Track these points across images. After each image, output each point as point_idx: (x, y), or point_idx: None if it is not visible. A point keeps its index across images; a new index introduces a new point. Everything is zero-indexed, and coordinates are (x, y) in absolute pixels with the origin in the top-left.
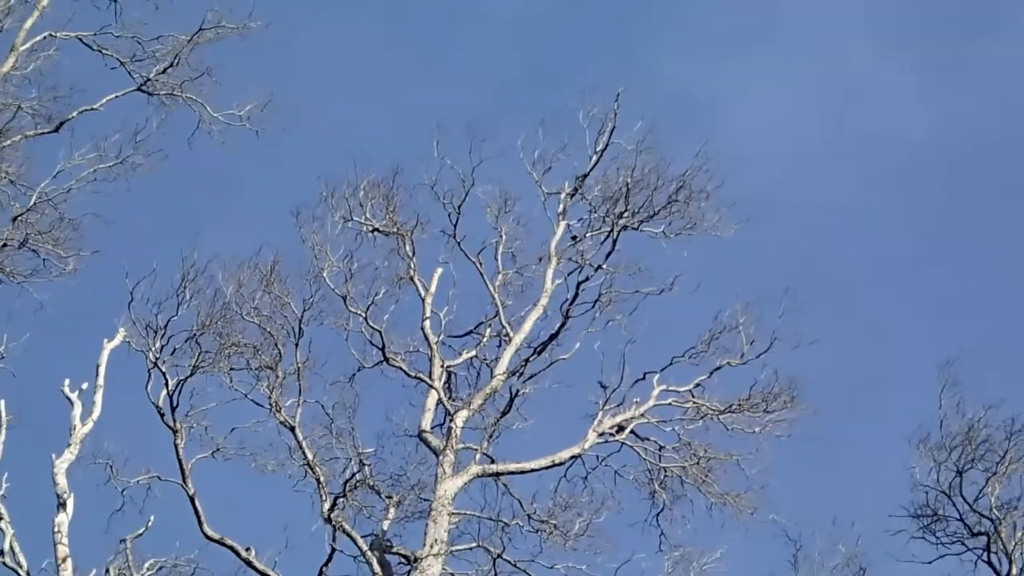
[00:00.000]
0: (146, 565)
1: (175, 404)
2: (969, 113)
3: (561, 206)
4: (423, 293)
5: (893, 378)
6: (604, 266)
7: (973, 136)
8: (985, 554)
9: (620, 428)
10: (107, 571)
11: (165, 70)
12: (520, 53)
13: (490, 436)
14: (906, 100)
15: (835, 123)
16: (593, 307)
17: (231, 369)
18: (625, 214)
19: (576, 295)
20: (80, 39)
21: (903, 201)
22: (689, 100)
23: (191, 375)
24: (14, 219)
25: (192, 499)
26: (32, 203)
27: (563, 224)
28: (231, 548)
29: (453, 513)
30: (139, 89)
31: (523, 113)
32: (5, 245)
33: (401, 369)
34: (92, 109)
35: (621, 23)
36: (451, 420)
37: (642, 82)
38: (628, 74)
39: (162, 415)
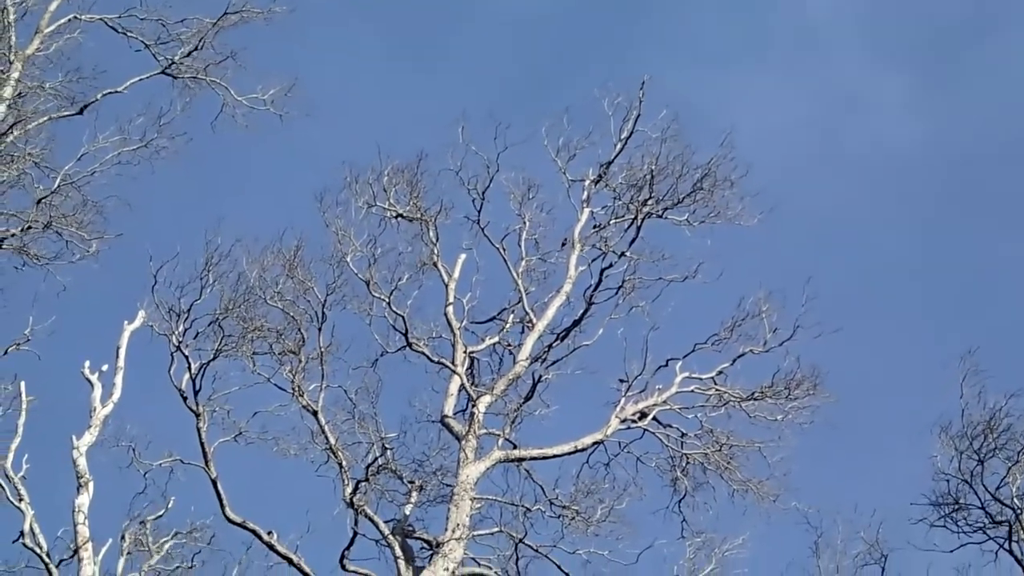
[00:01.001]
0: (167, 546)
1: (198, 388)
2: (962, 123)
3: (585, 193)
4: (446, 279)
5: (915, 366)
6: (628, 253)
7: (966, 146)
8: (1007, 543)
9: (643, 415)
10: (122, 537)
11: (190, 53)
12: (518, 62)
13: (512, 422)
14: (900, 111)
15: (831, 134)
16: (616, 294)
17: (254, 353)
18: (649, 201)
19: (599, 282)
20: (105, 21)
21: (898, 210)
22: (687, 111)
23: (214, 359)
24: (38, 201)
25: (214, 482)
26: (56, 186)
27: (587, 211)
28: (253, 532)
29: (475, 498)
30: (163, 72)
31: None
32: (30, 228)
33: (424, 354)
34: (116, 92)
35: (619, 36)
36: (474, 405)
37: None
38: (627, 85)
39: (185, 399)
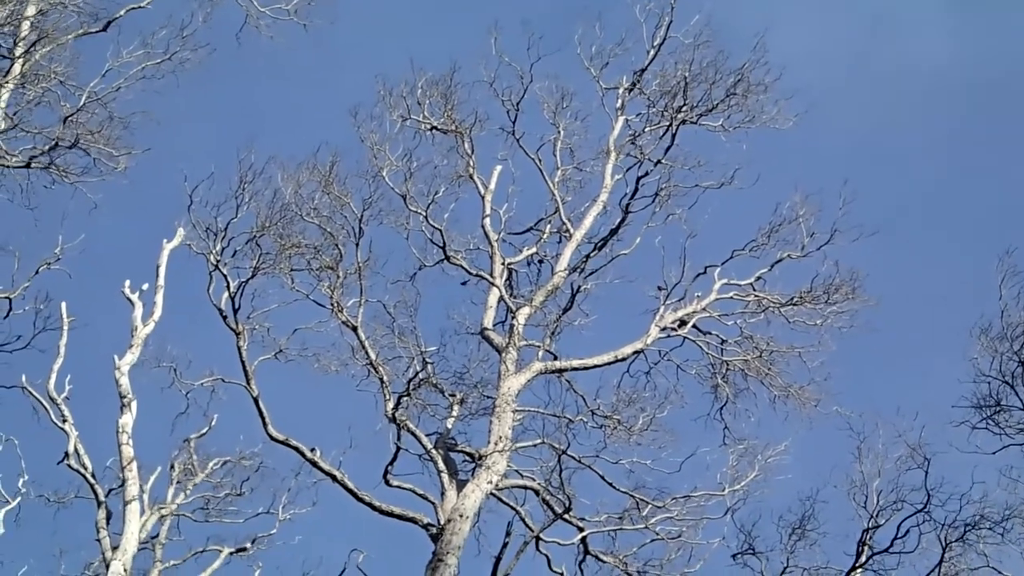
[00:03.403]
0: (211, 464)
1: (237, 306)
2: (994, 42)
3: (619, 101)
4: (483, 191)
5: (955, 268)
6: (663, 160)
7: (999, 63)
8: None
9: (682, 322)
10: (172, 466)
11: None
12: None
13: (552, 333)
14: (933, 27)
15: (861, 55)
16: (653, 202)
17: (292, 270)
18: (684, 108)
19: (636, 190)
20: None
21: (929, 126)
22: (721, 36)
23: (252, 277)
24: (65, 119)
25: (256, 400)
26: (82, 103)
27: (621, 119)
28: (296, 449)
29: (517, 410)
30: None
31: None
32: (57, 145)
33: (462, 267)
34: (139, 7)
35: None
36: (513, 317)
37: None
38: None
39: (224, 317)
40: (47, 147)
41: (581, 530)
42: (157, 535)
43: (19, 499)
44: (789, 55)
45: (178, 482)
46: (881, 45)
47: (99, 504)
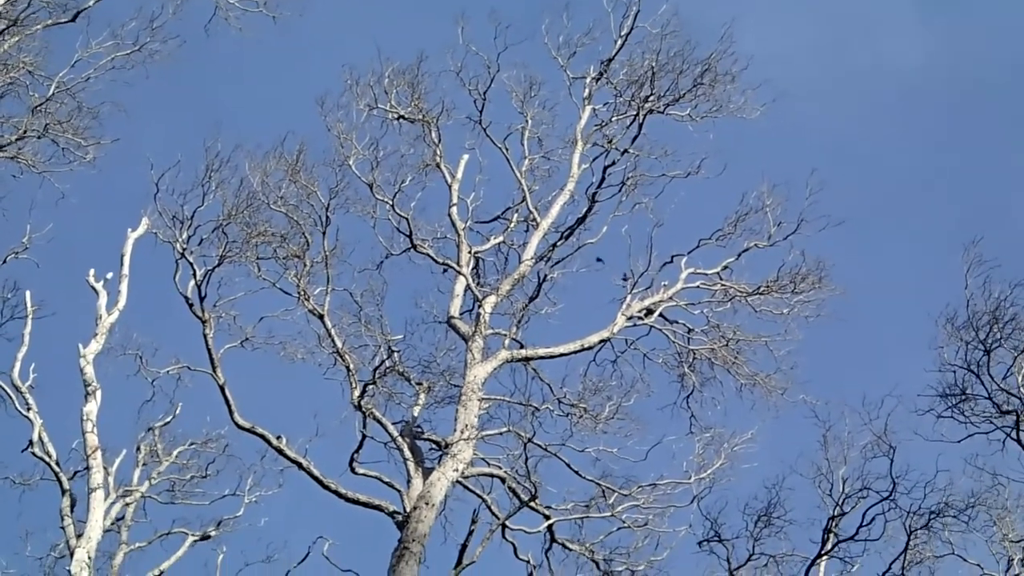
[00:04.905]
0: (176, 452)
1: (203, 294)
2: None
3: (586, 90)
4: (450, 180)
5: (920, 258)
6: (630, 150)
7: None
8: (1014, 432)
9: (649, 311)
10: (138, 448)
11: None
12: None
13: (519, 321)
14: (904, 28)
15: (837, 56)
16: (620, 191)
17: (258, 258)
18: (651, 98)
19: (603, 179)
20: None
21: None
22: (690, 31)
23: (218, 265)
24: (33, 109)
25: (222, 388)
26: (51, 93)
27: (589, 108)
28: (262, 436)
29: (483, 398)
30: None
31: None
32: (25, 135)
33: (429, 256)
34: None
35: None
36: (480, 306)
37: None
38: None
39: (191, 305)
40: (15, 137)
41: (547, 518)
42: (123, 517)
43: None
44: (761, 54)
45: (144, 464)
46: (853, 45)
47: (63, 492)
